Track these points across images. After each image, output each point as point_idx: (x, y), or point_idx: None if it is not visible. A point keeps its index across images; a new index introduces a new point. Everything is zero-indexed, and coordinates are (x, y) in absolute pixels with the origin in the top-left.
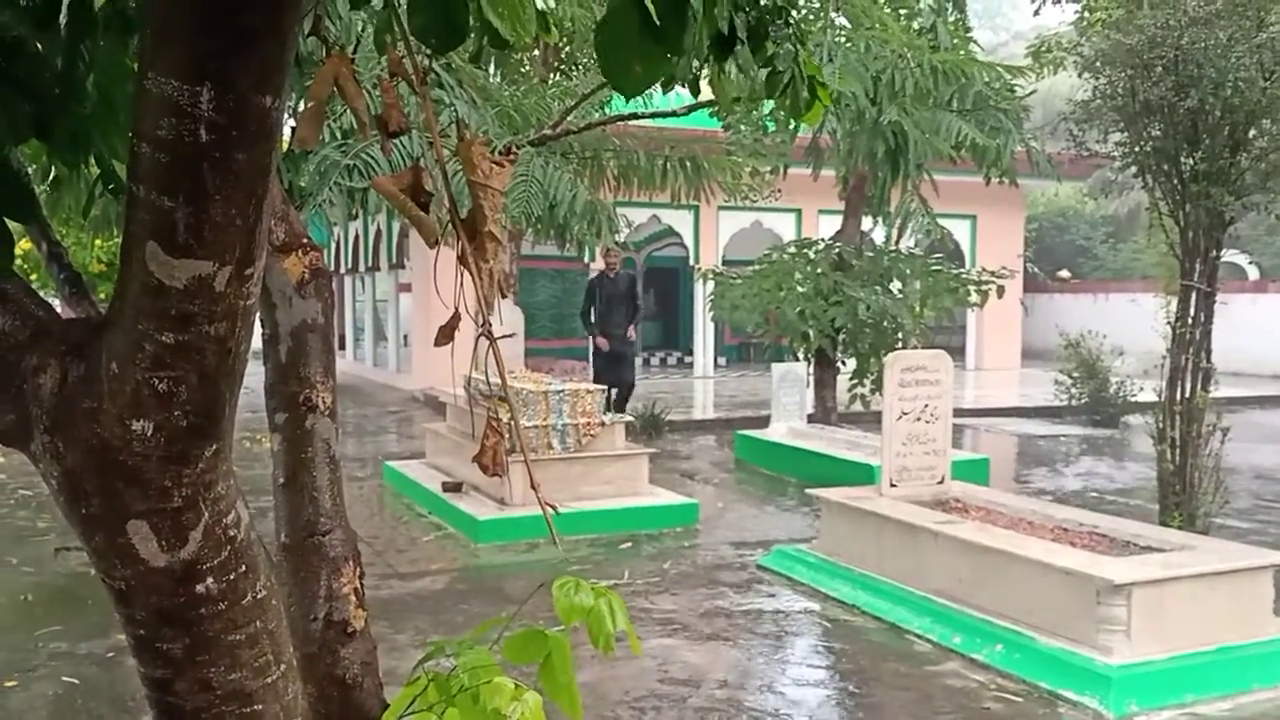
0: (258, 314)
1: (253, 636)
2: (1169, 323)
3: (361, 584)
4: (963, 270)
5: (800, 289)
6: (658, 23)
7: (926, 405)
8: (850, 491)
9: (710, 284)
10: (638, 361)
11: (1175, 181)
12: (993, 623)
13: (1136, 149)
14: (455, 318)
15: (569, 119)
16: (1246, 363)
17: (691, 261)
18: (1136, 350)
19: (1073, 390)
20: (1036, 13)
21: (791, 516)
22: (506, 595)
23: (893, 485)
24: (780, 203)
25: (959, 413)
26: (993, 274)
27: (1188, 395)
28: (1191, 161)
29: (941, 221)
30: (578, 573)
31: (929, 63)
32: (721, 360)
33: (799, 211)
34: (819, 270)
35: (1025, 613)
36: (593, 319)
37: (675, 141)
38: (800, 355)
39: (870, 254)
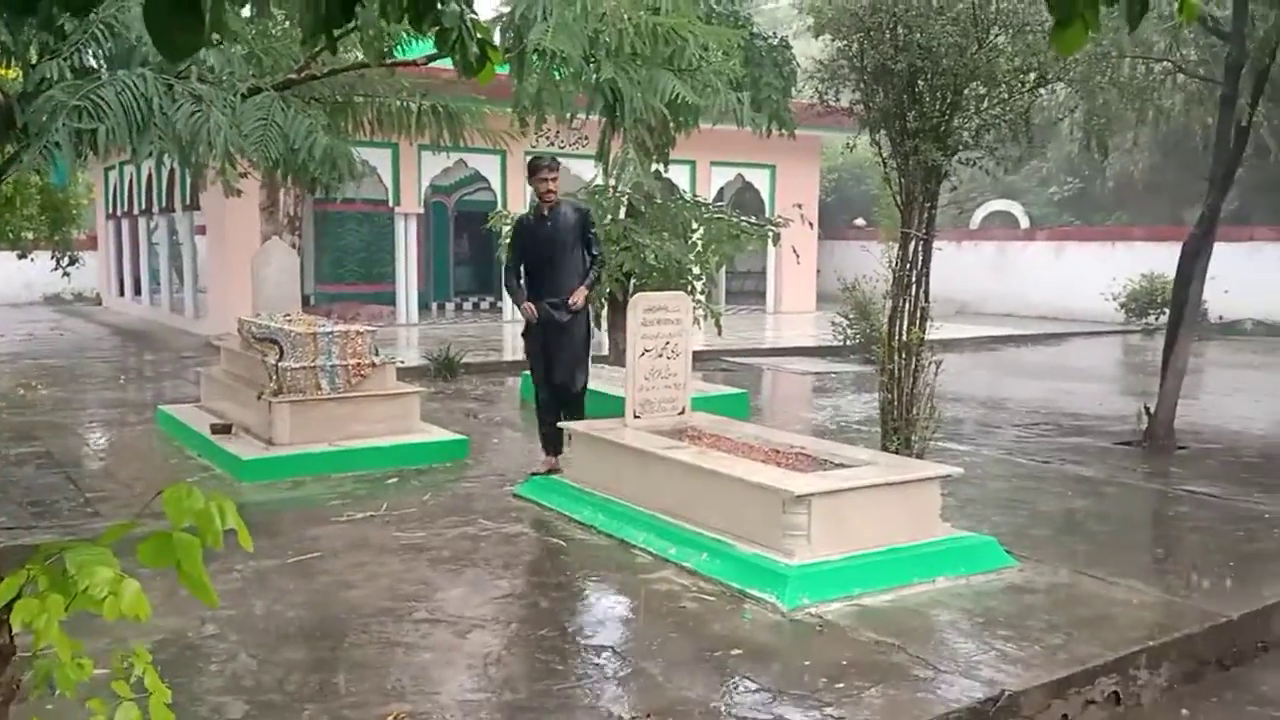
0: None
1: None
2: (891, 266)
3: None
4: (747, 218)
5: None
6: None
7: (668, 343)
8: (596, 424)
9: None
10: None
11: (899, 138)
12: (703, 535)
13: (868, 106)
14: None
15: (315, 64)
16: (1018, 305)
17: (499, 207)
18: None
19: (848, 331)
20: None
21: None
22: (264, 530)
23: (636, 417)
24: (588, 149)
25: (751, 353)
26: (770, 221)
27: (903, 333)
28: (909, 119)
29: (742, 171)
30: (338, 506)
31: (646, 25)
32: None
33: (650, 157)
34: (609, 217)
35: (730, 524)
36: (521, 279)
37: (429, 88)
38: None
39: (659, 202)
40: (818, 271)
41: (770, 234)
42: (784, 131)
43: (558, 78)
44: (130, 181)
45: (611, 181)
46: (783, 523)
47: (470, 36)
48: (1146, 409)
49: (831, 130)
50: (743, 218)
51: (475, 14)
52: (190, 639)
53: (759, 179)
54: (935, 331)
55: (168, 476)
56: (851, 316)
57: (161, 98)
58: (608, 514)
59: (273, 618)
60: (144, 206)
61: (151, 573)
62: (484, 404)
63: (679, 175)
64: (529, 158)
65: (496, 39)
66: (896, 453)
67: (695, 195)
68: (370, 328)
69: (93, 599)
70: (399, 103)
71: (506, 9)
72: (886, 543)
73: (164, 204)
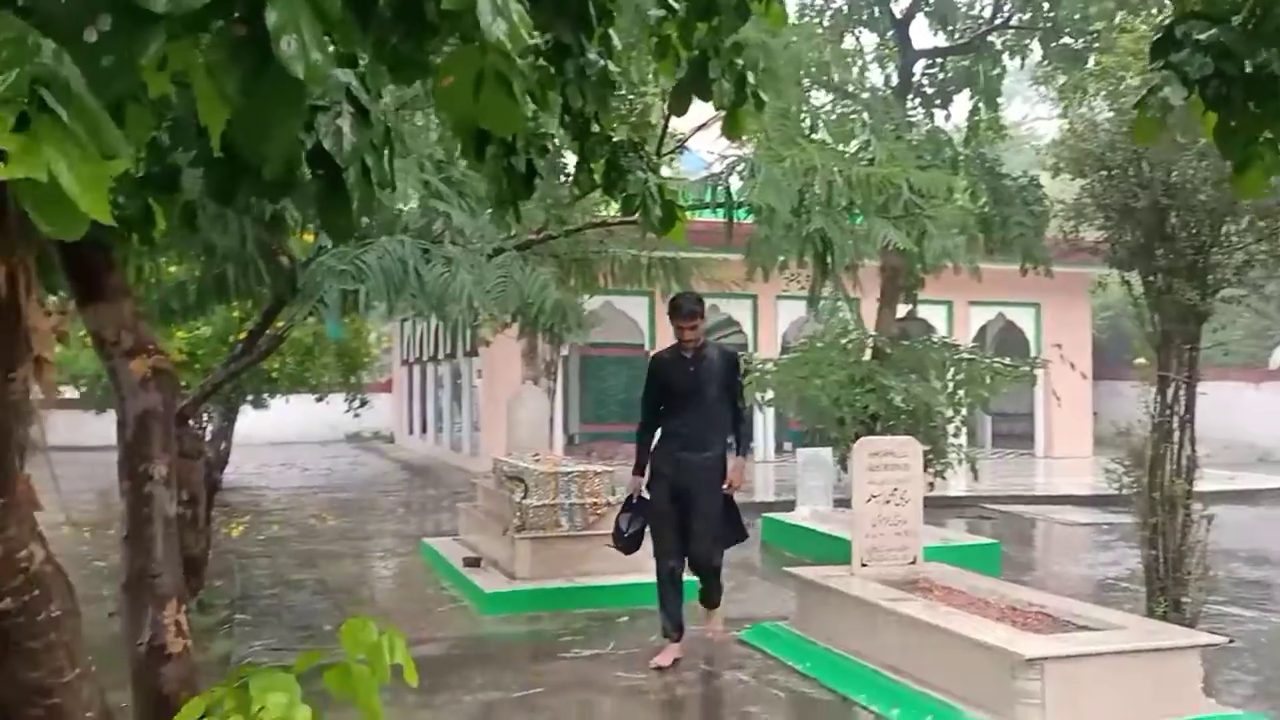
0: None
1: (49, 645)
2: (1149, 413)
3: (185, 617)
4: (1002, 360)
5: (834, 377)
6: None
7: (896, 489)
8: (822, 570)
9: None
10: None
11: (1151, 277)
12: (929, 695)
13: (1114, 245)
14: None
15: (553, 224)
16: None
17: (750, 349)
18: (1208, 438)
19: (1123, 479)
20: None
21: (794, 594)
22: (498, 663)
23: (864, 565)
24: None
25: (1014, 500)
26: (1026, 362)
27: (1167, 484)
28: (1160, 258)
29: (1006, 310)
30: (568, 642)
31: (856, 176)
32: (787, 446)
33: (858, 301)
34: (852, 359)
35: (956, 686)
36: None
37: (656, 243)
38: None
39: (905, 343)
40: (1094, 413)
41: (1027, 376)
42: (1039, 269)
43: (768, 232)
44: (421, 332)
45: (826, 320)
46: (1013, 689)
47: (654, 200)
48: None
49: (1095, 267)
50: (997, 359)
51: (660, 179)
52: None
53: (1023, 318)
54: (1229, 482)
55: (421, 606)
56: (1127, 463)
57: (417, 260)
58: (830, 667)
59: None
60: (432, 353)
61: (390, 699)
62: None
63: (935, 315)
64: (670, 297)
65: (707, 196)
66: (1164, 616)
67: (948, 336)
68: (608, 468)
69: None
70: (630, 256)
71: (718, 168)
72: (1135, 717)
73: (449, 351)
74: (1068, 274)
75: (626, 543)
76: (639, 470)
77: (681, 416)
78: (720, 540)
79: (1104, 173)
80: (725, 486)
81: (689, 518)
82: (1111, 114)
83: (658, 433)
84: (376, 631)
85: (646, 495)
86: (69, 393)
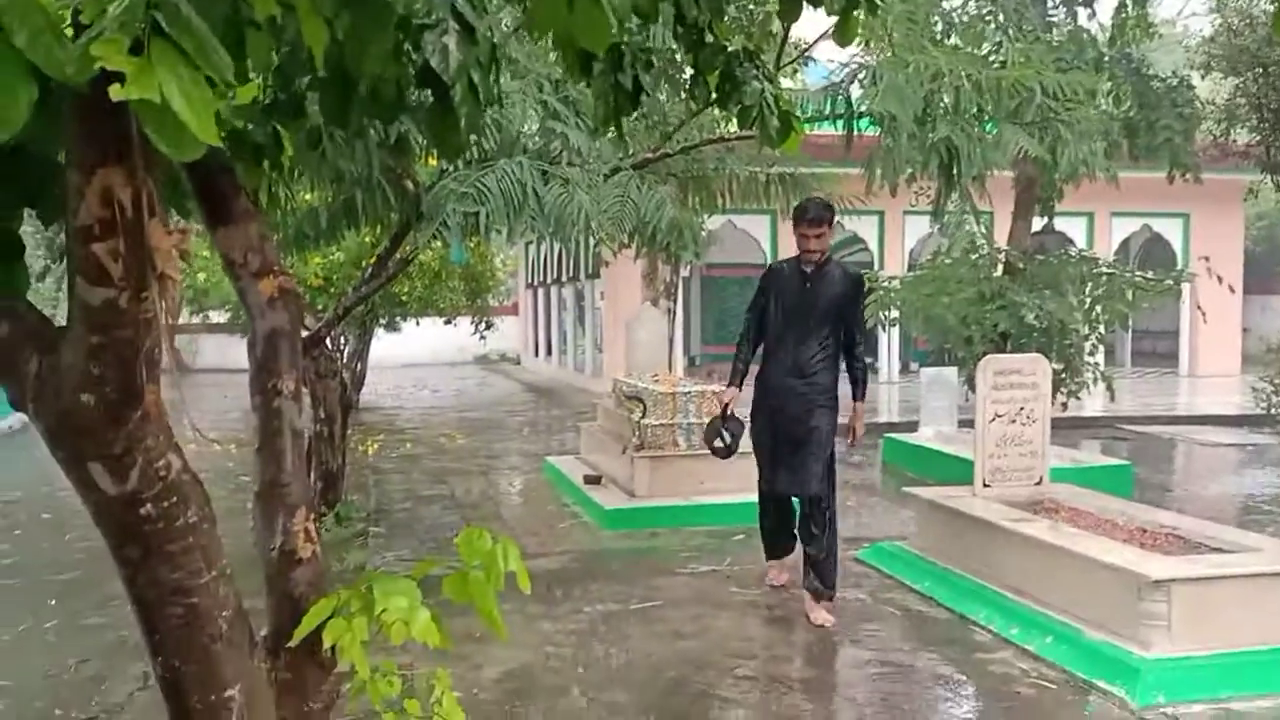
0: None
1: (187, 548)
2: None
3: (314, 525)
4: (1143, 273)
5: (963, 294)
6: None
7: (1022, 408)
8: (943, 490)
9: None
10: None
11: None
12: (1049, 616)
13: (1269, 149)
14: None
15: (670, 142)
16: None
17: (876, 267)
18: None
19: (1271, 398)
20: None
21: (913, 515)
22: (618, 577)
23: (986, 485)
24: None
25: (1153, 420)
26: (1172, 276)
27: None
28: None
29: (1151, 221)
30: (685, 558)
31: (986, 80)
32: (914, 366)
33: (991, 214)
34: (982, 275)
35: (1078, 607)
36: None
37: (775, 159)
38: (977, 360)
39: (1039, 258)
40: (1244, 330)
41: (1171, 290)
42: (1187, 176)
43: (890, 142)
44: (545, 255)
45: (951, 234)
46: (1138, 610)
47: (771, 111)
48: None
49: (1248, 173)
50: (1139, 274)
51: (777, 90)
52: (533, 671)
53: (1169, 229)
54: None
55: (543, 521)
56: (1277, 381)
57: (535, 182)
58: (948, 586)
59: (608, 660)
60: (555, 276)
61: (512, 608)
62: (841, 465)
63: (1074, 228)
64: (797, 203)
65: (827, 108)
66: None
67: (1085, 250)
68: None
69: (385, 624)
70: (747, 173)
71: (836, 78)
72: (1268, 641)
73: (571, 274)
74: (1219, 181)
75: (723, 454)
76: (734, 382)
77: (789, 338)
78: (818, 470)
79: (1259, 70)
80: (849, 442)
81: (792, 448)
82: (1270, 7)
83: (759, 354)
84: (491, 540)
85: (739, 417)
86: (216, 317)
